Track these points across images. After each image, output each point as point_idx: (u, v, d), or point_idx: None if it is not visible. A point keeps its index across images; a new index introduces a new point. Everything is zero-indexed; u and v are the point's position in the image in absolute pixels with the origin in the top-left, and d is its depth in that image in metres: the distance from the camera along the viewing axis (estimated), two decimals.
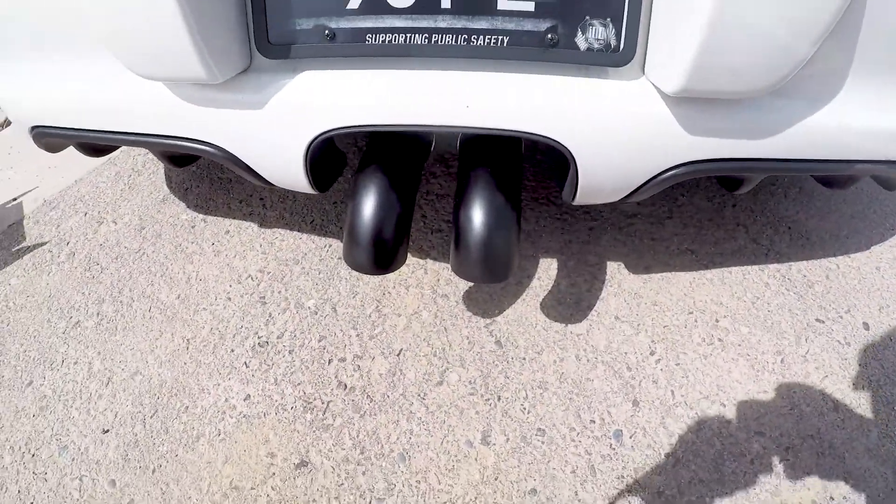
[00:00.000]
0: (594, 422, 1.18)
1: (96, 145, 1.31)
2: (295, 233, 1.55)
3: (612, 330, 1.31)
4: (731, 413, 1.18)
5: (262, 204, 1.64)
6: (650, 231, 1.52)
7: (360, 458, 1.16)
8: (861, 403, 1.19)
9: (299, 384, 1.26)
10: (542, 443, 1.16)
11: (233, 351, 1.33)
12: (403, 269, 1.43)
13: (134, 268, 1.53)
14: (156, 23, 0.82)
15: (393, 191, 1.07)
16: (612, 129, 0.93)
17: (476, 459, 1.15)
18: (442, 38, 0.88)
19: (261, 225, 1.58)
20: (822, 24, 0.77)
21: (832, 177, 1.17)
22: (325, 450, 1.17)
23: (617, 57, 0.87)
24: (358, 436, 1.18)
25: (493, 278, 1.07)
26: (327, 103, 0.95)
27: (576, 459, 1.13)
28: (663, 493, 1.09)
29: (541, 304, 1.35)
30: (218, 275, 1.48)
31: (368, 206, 1.05)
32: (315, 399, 1.24)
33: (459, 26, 0.87)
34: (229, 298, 1.42)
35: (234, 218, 1.61)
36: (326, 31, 0.89)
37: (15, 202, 1.84)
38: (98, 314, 1.45)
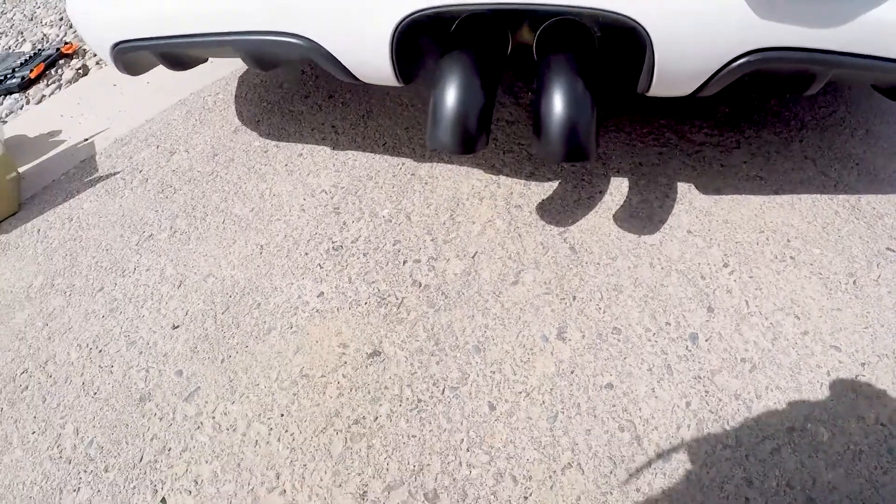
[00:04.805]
0: (669, 324, 1.18)
1: (181, 57, 1.36)
2: (368, 154, 1.57)
3: (685, 242, 1.32)
4: (805, 326, 1.19)
5: (335, 130, 1.67)
6: (719, 158, 1.54)
7: (434, 350, 1.16)
8: None
9: (373, 282, 1.28)
10: (619, 341, 1.16)
11: (307, 254, 1.35)
12: (476, 182, 1.45)
13: (207, 188, 1.56)
14: None
15: (477, 74, 1.10)
16: (684, 9, 0.96)
17: (552, 353, 1.15)
18: None
19: (333, 148, 1.61)
20: None
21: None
22: (398, 341, 1.18)
23: None
24: (432, 329, 1.19)
25: (576, 154, 1.09)
26: None
27: (652, 358, 1.13)
28: (741, 396, 1.09)
29: (613, 217, 1.37)
30: (291, 190, 1.50)
31: (454, 84, 1.08)
32: (389, 295, 1.25)
33: None
34: (303, 210, 1.45)
35: (307, 143, 1.64)
36: None
37: (86, 141, 1.89)
38: (171, 227, 1.48)
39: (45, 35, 3.02)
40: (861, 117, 1.68)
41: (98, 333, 1.27)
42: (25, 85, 2.40)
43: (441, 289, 1.26)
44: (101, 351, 1.24)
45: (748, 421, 1.05)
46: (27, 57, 2.58)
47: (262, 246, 1.39)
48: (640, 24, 0.97)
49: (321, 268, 1.32)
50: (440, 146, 1.12)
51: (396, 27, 1.03)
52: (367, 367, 1.15)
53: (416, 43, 1.19)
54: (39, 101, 2.30)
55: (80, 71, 2.45)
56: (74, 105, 2.13)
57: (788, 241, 1.32)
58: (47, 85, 2.42)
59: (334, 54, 1.11)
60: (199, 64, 1.46)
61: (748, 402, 1.08)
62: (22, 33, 3.12)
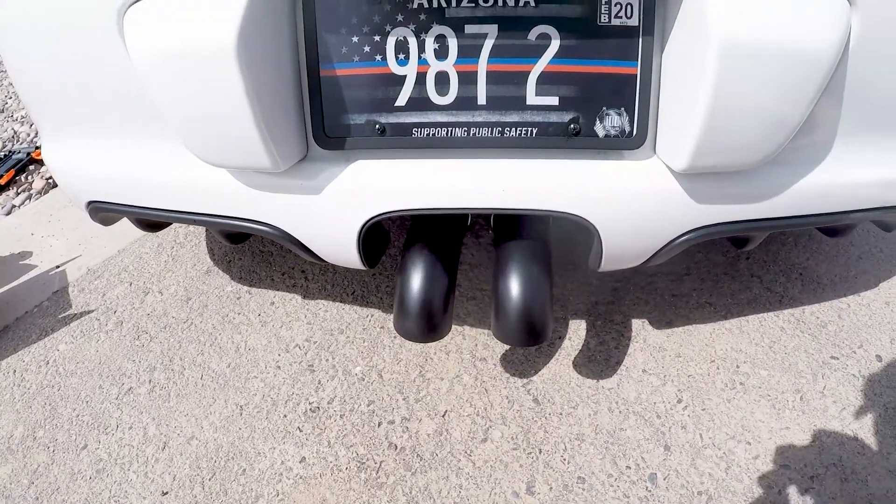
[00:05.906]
0: (630, 467, 1.26)
1: (153, 223, 1.42)
2: (337, 304, 1.66)
3: (641, 382, 1.40)
4: (756, 450, 1.26)
5: (304, 276, 1.77)
6: (670, 288, 1.62)
7: None
8: (879, 430, 1.28)
9: (352, 446, 1.35)
10: (583, 490, 1.24)
11: (285, 416, 1.43)
12: None
13: (183, 337, 1.64)
14: (227, 118, 0.94)
15: (438, 264, 1.18)
16: (630, 203, 1.05)
17: None
18: (479, 130, 1.01)
19: (304, 296, 1.70)
20: (804, 102, 0.89)
21: (832, 226, 1.27)
22: None
23: (631, 141, 1.00)
24: (411, 492, 1.26)
25: (532, 342, 1.17)
26: (379, 190, 1.07)
27: (615, 503, 1.21)
28: None
29: (573, 363, 1.45)
30: (266, 344, 1.58)
31: (416, 280, 1.17)
32: (368, 459, 1.32)
33: (494, 120, 1.00)
34: (279, 367, 1.53)
35: (278, 290, 1.73)
36: (377, 126, 1.02)
37: (58, 269, 1.94)
38: (150, 381, 1.55)
39: (15, 132, 3.08)
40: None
41: (87, 497, 1.32)
42: None
43: (416, 450, 1.33)
44: None
45: None
46: None
47: (241, 406, 1.46)
48: (588, 221, 1.07)
49: (301, 431, 1.39)
50: (406, 335, 1.21)
51: (363, 225, 1.11)
52: None
53: (377, 233, 1.27)
54: (9, 213, 2.38)
55: (51, 182, 2.53)
56: (46, 222, 2.21)
57: (738, 366, 1.40)
58: (17, 193, 2.51)
59: (305, 243, 1.19)
60: (169, 226, 1.52)
61: None
62: None
